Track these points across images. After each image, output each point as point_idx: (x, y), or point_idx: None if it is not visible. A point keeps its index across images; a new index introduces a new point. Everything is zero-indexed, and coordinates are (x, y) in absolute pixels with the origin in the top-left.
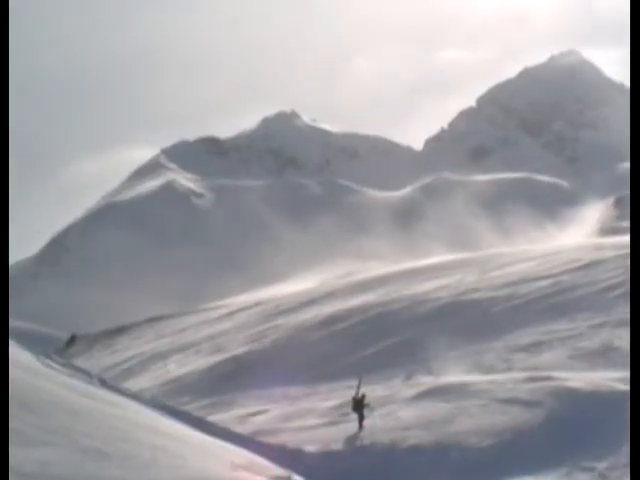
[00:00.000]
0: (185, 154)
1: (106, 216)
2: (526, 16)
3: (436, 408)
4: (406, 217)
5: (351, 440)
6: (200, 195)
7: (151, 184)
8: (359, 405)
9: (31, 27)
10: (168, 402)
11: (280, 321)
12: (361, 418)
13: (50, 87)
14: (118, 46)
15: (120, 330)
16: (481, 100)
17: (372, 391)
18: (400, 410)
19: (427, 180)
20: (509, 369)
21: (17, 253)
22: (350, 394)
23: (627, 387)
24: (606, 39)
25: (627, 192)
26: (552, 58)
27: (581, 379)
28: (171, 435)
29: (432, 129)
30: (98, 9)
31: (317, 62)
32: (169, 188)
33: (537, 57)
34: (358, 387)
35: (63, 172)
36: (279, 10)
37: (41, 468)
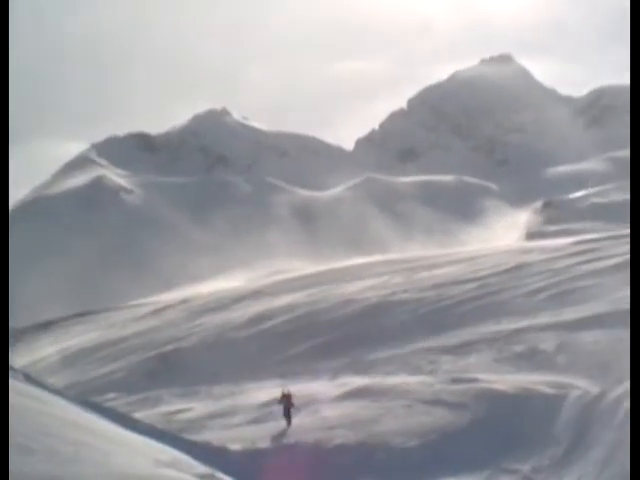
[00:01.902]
0: (115, 149)
1: (35, 210)
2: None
3: (362, 408)
4: (335, 217)
5: (276, 438)
6: (130, 191)
7: (80, 179)
8: (287, 402)
9: None
10: (94, 398)
11: (207, 319)
12: (289, 415)
13: None
14: (50, 38)
15: (46, 325)
16: (412, 102)
17: (298, 390)
18: (326, 409)
19: (356, 180)
20: (435, 371)
21: None
22: (275, 393)
23: (551, 390)
24: (536, 47)
25: (554, 196)
26: (482, 62)
27: (506, 382)
28: (96, 431)
29: (363, 130)
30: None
31: (248, 60)
32: (99, 183)
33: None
34: (283, 387)
35: None
36: (211, 8)
37: None
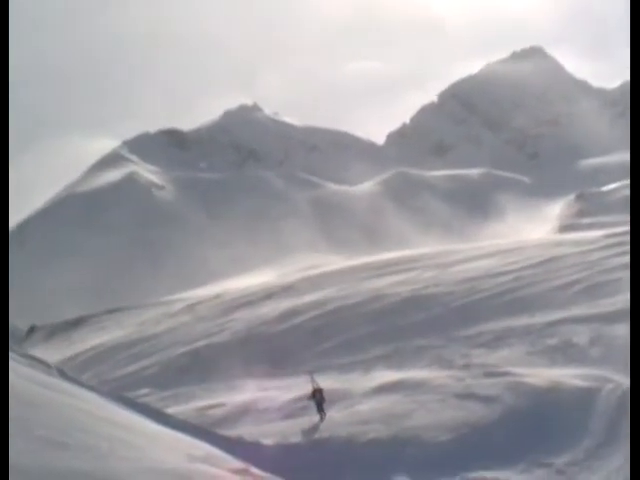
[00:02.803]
0: (146, 146)
1: (66, 207)
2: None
3: (394, 402)
4: (366, 212)
5: (309, 433)
6: (161, 187)
7: (112, 175)
8: (319, 397)
9: None
10: (127, 394)
11: (238, 315)
12: (322, 410)
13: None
14: (83, 37)
15: (79, 321)
16: (442, 96)
17: (330, 385)
18: (358, 404)
19: (387, 175)
20: (467, 364)
21: None
22: (307, 388)
23: (585, 383)
24: (566, 39)
25: (587, 189)
26: (514, 54)
27: (539, 375)
28: (129, 427)
29: (392, 125)
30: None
31: (279, 56)
32: (130, 180)
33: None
34: (312, 382)
35: (21, 160)
36: (244, 5)
37: None
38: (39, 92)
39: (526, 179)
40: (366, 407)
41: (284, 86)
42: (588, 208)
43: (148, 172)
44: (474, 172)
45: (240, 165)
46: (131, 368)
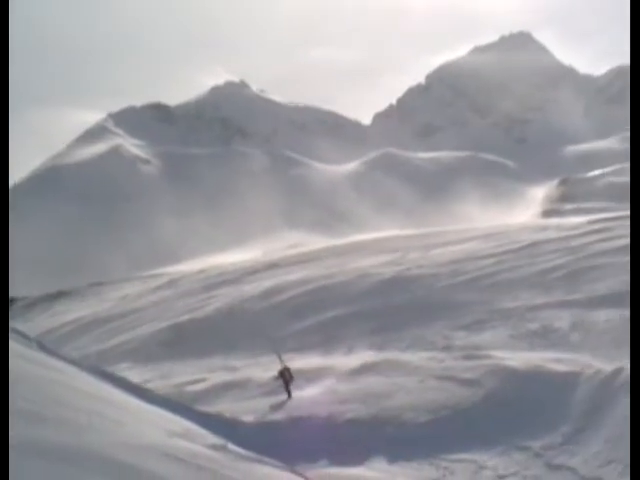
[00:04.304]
0: (132, 120)
1: (51, 179)
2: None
3: (374, 383)
4: (351, 191)
5: (289, 411)
6: (146, 161)
7: (97, 148)
8: (287, 376)
9: None
10: (107, 368)
11: (221, 291)
12: (288, 389)
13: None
14: (72, 11)
15: (61, 294)
16: (430, 78)
17: (311, 364)
18: (338, 383)
19: (373, 155)
20: (449, 346)
21: None
22: (289, 365)
23: (565, 368)
24: (559, 25)
25: (571, 174)
26: (502, 38)
27: (520, 359)
28: (108, 401)
29: (381, 105)
30: None
31: (268, 34)
32: (115, 153)
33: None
34: (280, 360)
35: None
36: None
37: None
38: (27, 63)
39: (511, 163)
40: (346, 387)
41: (264, 66)
42: (572, 193)
43: (133, 146)
44: (459, 155)
45: (227, 141)
46: (112, 342)
